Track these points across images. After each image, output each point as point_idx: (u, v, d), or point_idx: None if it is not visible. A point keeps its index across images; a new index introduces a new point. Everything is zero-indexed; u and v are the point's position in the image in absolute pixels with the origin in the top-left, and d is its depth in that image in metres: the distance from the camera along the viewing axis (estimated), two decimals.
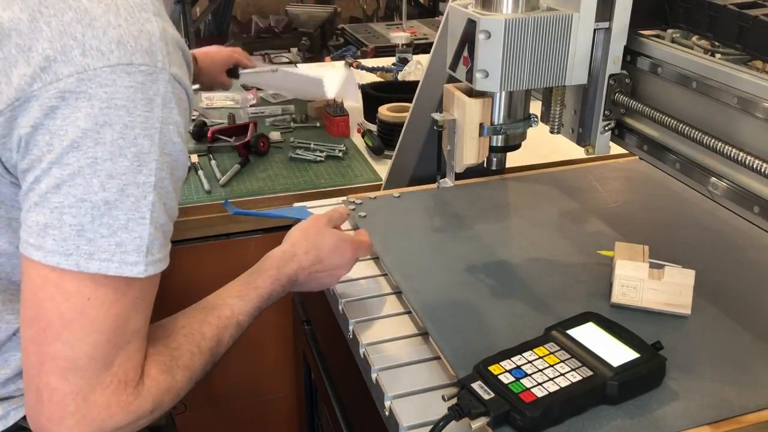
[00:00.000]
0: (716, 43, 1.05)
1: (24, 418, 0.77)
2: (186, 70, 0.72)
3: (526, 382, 0.76)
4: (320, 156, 1.56)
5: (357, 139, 1.67)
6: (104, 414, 0.68)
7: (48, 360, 0.67)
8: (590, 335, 0.84)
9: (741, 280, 1.01)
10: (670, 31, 1.08)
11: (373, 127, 1.63)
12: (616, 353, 0.81)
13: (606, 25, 0.94)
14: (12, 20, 0.66)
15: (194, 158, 1.53)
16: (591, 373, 0.78)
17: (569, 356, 0.80)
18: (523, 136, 1.02)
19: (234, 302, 0.85)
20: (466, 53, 0.92)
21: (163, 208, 0.70)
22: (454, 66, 0.96)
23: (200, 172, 1.47)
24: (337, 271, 0.96)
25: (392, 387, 0.84)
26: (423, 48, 2.35)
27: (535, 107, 1.04)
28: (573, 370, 0.78)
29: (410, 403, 0.82)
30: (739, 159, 0.81)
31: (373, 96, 1.67)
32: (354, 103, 1.74)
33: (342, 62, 1.73)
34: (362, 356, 0.91)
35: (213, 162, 1.54)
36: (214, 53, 1.69)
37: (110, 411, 0.68)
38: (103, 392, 0.68)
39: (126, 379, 0.70)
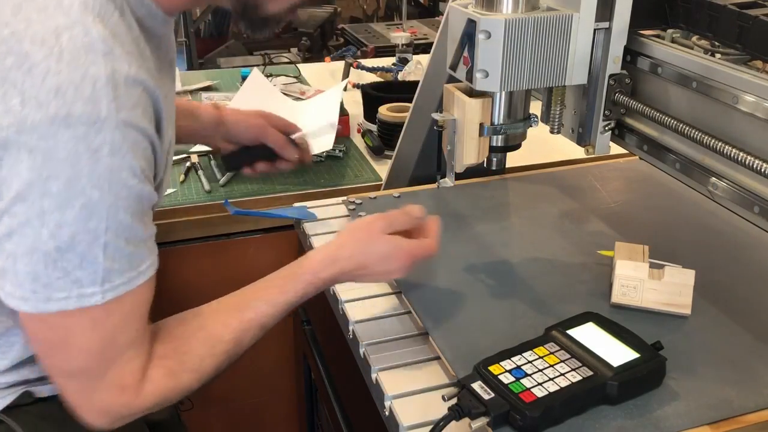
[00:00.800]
0: (716, 43, 1.05)
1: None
2: (145, 110, 0.67)
3: (526, 382, 0.76)
4: (320, 156, 1.55)
5: (357, 139, 1.67)
6: (108, 409, 0.73)
7: (50, 367, 0.74)
8: (590, 335, 0.84)
9: (741, 280, 1.01)
10: (670, 31, 1.08)
11: (373, 127, 1.63)
12: (616, 353, 0.81)
13: (606, 25, 0.94)
14: None
15: (194, 158, 1.53)
16: (591, 373, 0.78)
17: (569, 356, 0.80)
18: (523, 136, 1.02)
19: (260, 306, 0.82)
20: (466, 53, 0.92)
21: (123, 242, 0.68)
22: (454, 66, 0.96)
23: (200, 172, 1.47)
24: (386, 276, 0.90)
25: (392, 387, 0.84)
26: (423, 48, 2.35)
27: (535, 107, 1.04)
28: (573, 370, 0.78)
29: (410, 403, 0.82)
30: (739, 159, 0.81)
31: (373, 96, 1.67)
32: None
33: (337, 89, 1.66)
34: (362, 356, 0.91)
35: (213, 162, 1.54)
36: (247, 123, 1.21)
37: (113, 408, 0.73)
38: (102, 395, 0.72)
39: (123, 384, 0.72)
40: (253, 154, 1.10)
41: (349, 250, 0.86)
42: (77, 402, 0.73)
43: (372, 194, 1.26)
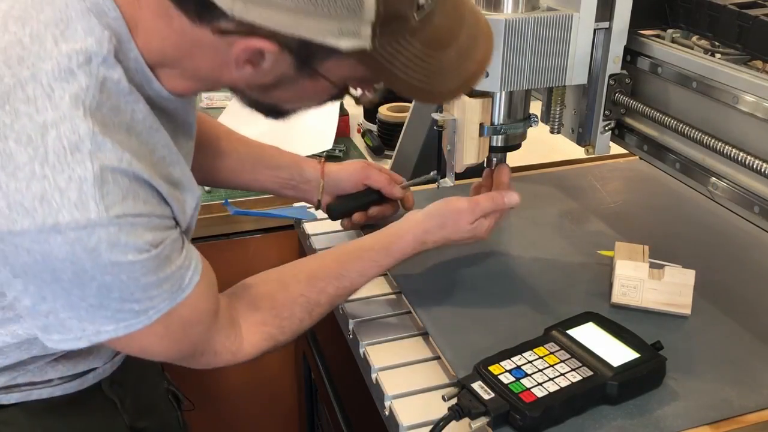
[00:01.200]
0: (716, 43, 1.05)
1: None
2: (136, 196, 0.64)
3: (526, 382, 0.76)
4: (320, 156, 1.55)
5: (357, 139, 1.67)
6: (215, 366, 0.80)
7: None
8: (590, 335, 0.84)
9: (741, 280, 1.01)
10: (670, 31, 1.08)
11: (373, 127, 1.63)
12: (616, 353, 0.81)
13: (606, 25, 0.94)
14: None
15: None
16: (591, 373, 0.78)
17: (569, 356, 0.80)
18: (523, 136, 1.02)
19: (355, 277, 0.88)
20: None
21: (154, 291, 0.68)
22: None
23: None
24: (471, 241, 0.95)
25: (392, 387, 0.84)
26: None
27: (535, 107, 1.04)
28: (573, 370, 0.78)
29: (410, 403, 0.82)
30: (739, 159, 0.81)
31: None
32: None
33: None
34: (362, 356, 0.91)
35: None
36: (349, 171, 1.12)
37: (219, 365, 0.80)
38: (205, 361, 0.79)
39: (220, 352, 0.79)
40: (358, 200, 1.10)
41: (435, 238, 0.92)
42: (192, 367, 0.80)
43: None
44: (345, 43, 0.61)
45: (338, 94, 0.72)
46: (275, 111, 0.75)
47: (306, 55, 0.63)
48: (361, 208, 1.10)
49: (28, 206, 0.60)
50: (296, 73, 0.66)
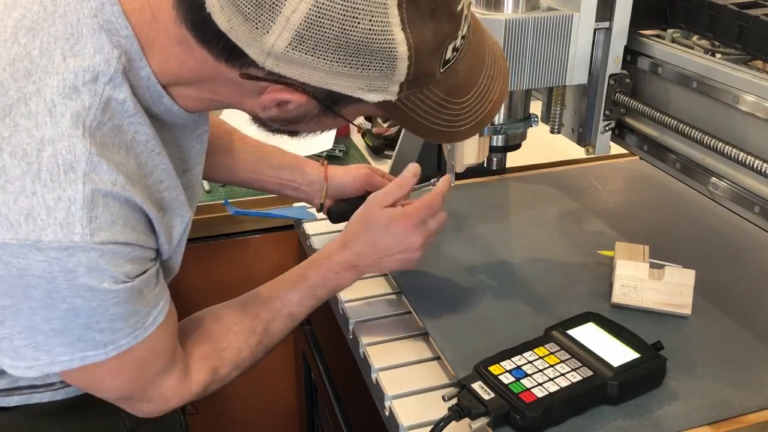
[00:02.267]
0: (716, 43, 1.05)
1: None
2: (126, 222, 0.64)
3: (527, 383, 0.76)
4: (320, 155, 1.55)
5: (357, 139, 1.67)
6: (159, 412, 0.79)
7: None
8: (590, 335, 0.84)
9: (741, 280, 1.01)
10: (670, 31, 1.08)
11: None
12: (617, 353, 0.81)
13: (606, 25, 0.94)
14: None
15: None
16: (591, 373, 0.78)
17: (569, 356, 0.80)
18: (523, 136, 1.02)
19: (285, 294, 0.86)
20: None
21: (120, 323, 0.67)
22: None
23: None
24: (404, 255, 0.89)
25: (392, 387, 0.84)
26: None
27: (535, 107, 1.04)
28: (573, 370, 0.78)
29: (410, 403, 0.82)
30: (739, 159, 0.81)
31: None
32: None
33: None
34: (362, 356, 0.91)
35: None
36: (352, 175, 1.12)
37: (163, 411, 0.79)
38: (148, 408, 0.78)
39: (166, 396, 0.77)
40: (359, 203, 1.10)
41: (354, 230, 0.89)
42: (131, 411, 0.79)
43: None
44: (372, 97, 0.62)
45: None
46: (290, 132, 0.75)
47: (331, 102, 0.64)
48: None
49: (12, 220, 0.59)
50: (320, 113, 0.66)
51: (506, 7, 0.90)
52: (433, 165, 1.07)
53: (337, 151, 1.57)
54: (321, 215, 1.14)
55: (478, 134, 0.97)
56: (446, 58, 0.64)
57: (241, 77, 0.62)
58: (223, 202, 1.12)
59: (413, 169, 0.92)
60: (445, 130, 0.70)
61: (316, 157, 1.24)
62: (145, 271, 0.67)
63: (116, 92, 0.63)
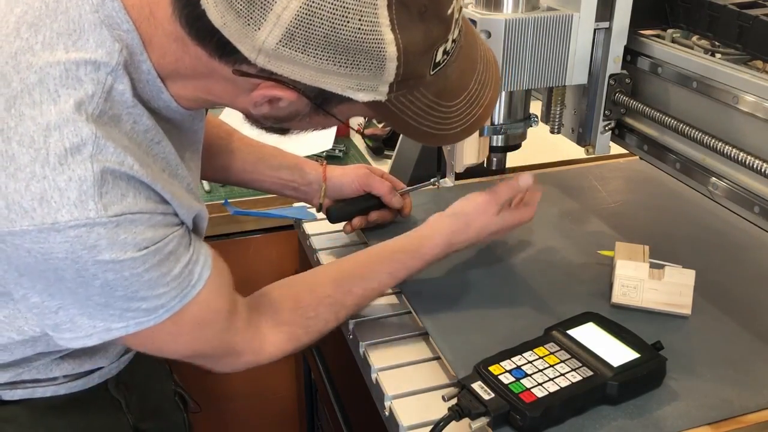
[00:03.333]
0: (716, 43, 1.05)
1: None
2: (137, 194, 0.65)
3: (527, 383, 0.76)
4: (320, 156, 1.55)
5: (357, 139, 1.67)
6: (235, 368, 0.81)
7: None
8: (590, 335, 0.84)
9: (741, 280, 1.01)
10: (670, 31, 1.08)
11: None
12: (616, 353, 0.81)
13: (606, 25, 0.94)
14: None
15: None
16: (591, 373, 0.78)
17: (569, 356, 0.80)
18: (523, 136, 1.02)
19: (383, 278, 0.89)
20: None
21: (162, 288, 0.68)
22: None
23: None
24: (501, 234, 0.95)
25: (392, 387, 0.84)
26: None
27: (535, 107, 1.04)
28: (573, 370, 0.78)
29: (410, 403, 0.82)
30: (739, 159, 0.81)
31: None
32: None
33: None
34: (362, 356, 0.91)
35: None
36: (351, 176, 1.12)
37: (239, 367, 0.81)
38: (223, 364, 0.80)
39: (239, 351, 0.79)
40: (358, 204, 1.10)
41: (465, 237, 0.92)
42: (215, 369, 0.81)
43: None
44: (362, 96, 0.63)
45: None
46: (282, 130, 0.76)
47: (322, 101, 0.65)
48: (360, 213, 1.10)
49: (26, 207, 0.60)
50: (310, 111, 0.67)
51: (506, 7, 0.90)
52: (433, 165, 1.07)
53: (336, 151, 1.58)
54: (321, 215, 1.14)
55: (478, 134, 0.97)
56: (436, 60, 0.65)
57: (234, 74, 0.63)
58: (223, 202, 1.12)
59: (525, 181, 0.94)
60: (435, 133, 0.71)
61: (316, 157, 1.24)
62: (170, 234, 0.68)
63: (117, 84, 0.64)
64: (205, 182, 1.43)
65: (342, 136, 1.67)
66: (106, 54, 0.63)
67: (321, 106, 0.66)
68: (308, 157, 1.13)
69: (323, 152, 1.52)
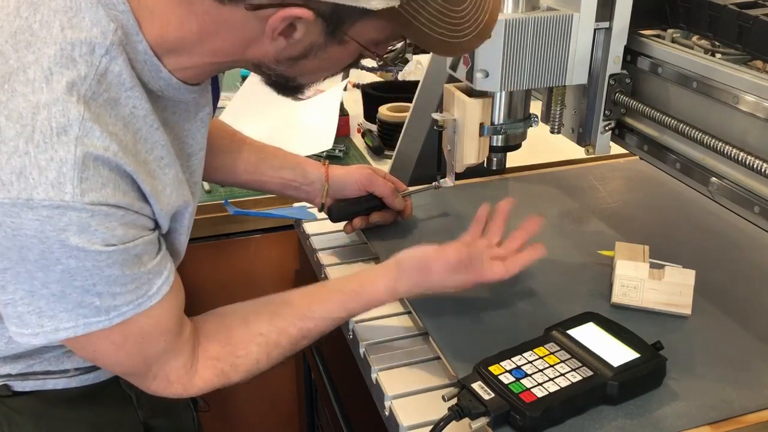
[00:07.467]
0: (716, 43, 1.05)
1: None
2: (117, 186, 0.64)
3: (527, 383, 0.76)
4: (320, 156, 1.55)
5: (357, 139, 1.67)
6: (162, 393, 0.78)
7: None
8: (590, 335, 0.84)
9: (741, 280, 1.01)
10: (670, 31, 1.08)
11: (373, 127, 1.63)
12: (616, 353, 0.81)
13: (606, 25, 0.94)
14: None
15: None
16: (591, 373, 0.78)
17: (569, 356, 0.80)
18: (523, 136, 1.02)
19: (319, 319, 0.84)
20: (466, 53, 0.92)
21: (118, 288, 0.67)
22: (454, 66, 0.96)
23: None
24: (455, 289, 0.89)
25: (392, 387, 0.84)
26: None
27: (535, 107, 1.04)
28: (573, 370, 0.78)
29: (410, 403, 0.82)
30: (739, 159, 0.81)
31: (373, 96, 1.66)
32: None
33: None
34: (362, 356, 0.91)
35: None
36: (353, 177, 1.11)
37: (165, 394, 0.78)
38: (152, 386, 0.77)
39: (169, 378, 0.77)
40: (360, 204, 1.10)
41: (406, 286, 0.87)
42: (140, 387, 0.79)
43: None
44: (376, 3, 0.63)
45: (355, 61, 0.75)
46: (292, 87, 0.76)
47: (338, 20, 0.66)
48: (361, 213, 1.11)
49: (4, 179, 0.61)
50: (326, 39, 0.68)
51: (506, 7, 0.90)
52: (433, 165, 1.07)
53: (336, 151, 1.57)
54: (321, 215, 1.14)
55: (478, 134, 0.97)
56: None
57: (246, 9, 0.64)
58: (223, 202, 1.12)
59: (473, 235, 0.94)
60: (448, 41, 0.71)
61: (317, 157, 1.25)
62: (140, 237, 0.68)
63: (112, 65, 0.64)
64: (205, 182, 1.43)
65: (342, 136, 1.67)
66: (101, 33, 0.64)
67: (337, 27, 0.67)
68: (309, 157, 1.13)
69: (323, 152, 1.52)
